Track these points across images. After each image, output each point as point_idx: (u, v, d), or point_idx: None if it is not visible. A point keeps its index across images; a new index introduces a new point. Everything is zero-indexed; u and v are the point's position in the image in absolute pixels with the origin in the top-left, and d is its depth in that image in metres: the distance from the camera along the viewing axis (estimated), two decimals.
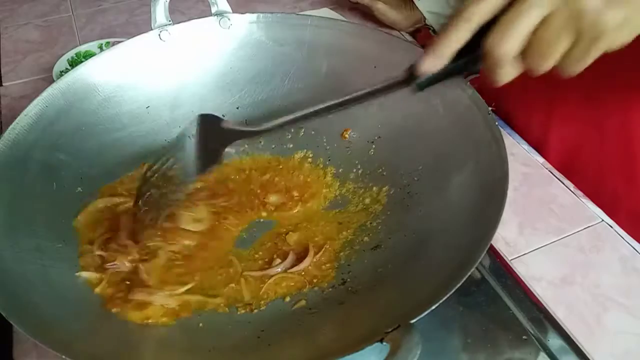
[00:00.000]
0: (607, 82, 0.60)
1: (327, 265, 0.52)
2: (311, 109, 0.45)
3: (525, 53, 0.38)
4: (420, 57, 0.40)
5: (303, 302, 0.49)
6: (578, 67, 0.38)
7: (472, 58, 0.40)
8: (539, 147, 0.69)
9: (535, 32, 0.37)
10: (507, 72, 0.39)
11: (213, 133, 0.48)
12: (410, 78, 0.42)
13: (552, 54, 0.37)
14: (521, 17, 0.36)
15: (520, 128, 0.72)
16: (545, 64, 0.38)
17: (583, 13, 0.35)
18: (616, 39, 0.37)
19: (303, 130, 0.62)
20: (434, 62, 0.40)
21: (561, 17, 0.36)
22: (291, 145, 0.62)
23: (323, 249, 0.52)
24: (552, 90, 0.67)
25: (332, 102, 0.45)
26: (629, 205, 0.65)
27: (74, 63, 0.79)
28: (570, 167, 0.67)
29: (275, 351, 0.44)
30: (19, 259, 0.44)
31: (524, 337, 0.50)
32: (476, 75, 0.42)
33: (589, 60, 0.38)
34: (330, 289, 0.50)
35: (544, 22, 0.36)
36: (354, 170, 0.59)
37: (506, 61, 0.38)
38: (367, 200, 0.57)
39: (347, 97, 0.44)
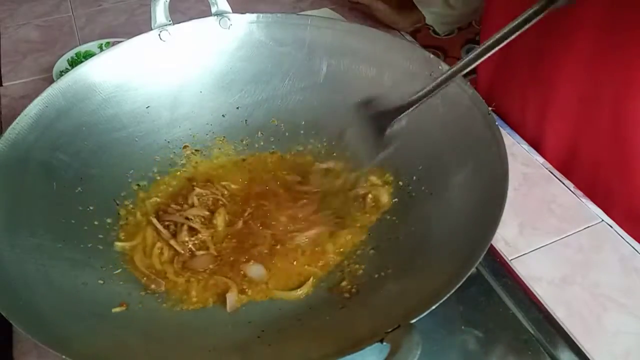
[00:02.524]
0: (602, 79, 0.61)
1: (327, 265, 0.52)
2: (467, 58, 0.46)
3: None
4: None
5: (303, 302, 0.49)
6: None
7: None
8: (536, 145, 0.69)
9: None
10: None
11: (372, 121, 0.51)
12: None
13: None
14: None
15: (517, 126, 0.72)
16: None
17: None
18: None
19: (302, 131, 0.63)
20: None
21: None
22: (291, 145, 0.62)
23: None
24: (545, 88, 0.67)
25: (487, 43, 0.45)
26: (624, 201, 0.65)
27: (74, 63, 0.79)
28: (566, 165, 0.67)
29: (275, 351, 0.44)
30: (19, 259, 0.44)
31: (524, 337, 0.50)
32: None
33: None
34: (330, 289, 0.50)
35: None
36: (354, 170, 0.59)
37: None
38: (367, 200, 0.57)
39: (498, 35, 0.44)
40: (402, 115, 0.49)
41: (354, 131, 0.54)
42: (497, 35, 0.44)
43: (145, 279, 0.50)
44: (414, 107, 0.49)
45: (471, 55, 0.46)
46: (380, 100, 0.51)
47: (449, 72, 0.47)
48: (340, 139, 0.57)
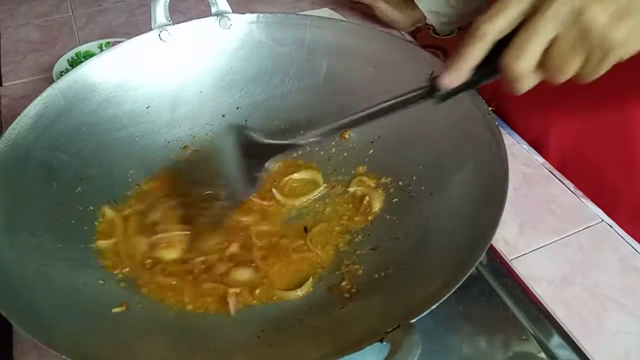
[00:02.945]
0: (606, 80, 0.60)
1: (327, 264, 0.52)
2: (338, 124, 0.48)
3: (541, 67, 0.39)
4: (440, 74, 0.43)
5: (303, 302, 0.49)
6: (594, 76, 0.40)
7: (489, 70, 0.41)
8: (539, 146, 0.69)
9: (548, 50, 0.38)
10: (525, 84, 0.40)
11: (251, 150, 0.49)
12: (431, 91, 0.44)
13: (567, 69, 0.39)
14: (533, 38, 0.38)
15: (520, 127, 0.72)
16: (562, 77, 0.40)
17: (590, 31, 0.37)
18: (626, 49, 0.38)
19: (302, 131, 0.62)
20: (454, 77, 0.42)
21: (570, 36, 0.37)
22: None
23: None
24: (550, 88, 0.67)
25: (357, 115, 0.47)
26: (629, 202, 0.65)
27: (74, 63, 0.79)
28: (569, 165, 0.67)
29: (275, 351, 0.44)
30: (19, 259, 0.44)
31: (524, 337, 0.50)
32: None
33: (603, 70, 0.39)
34: (330, 289, 0.50)
35: (555, 40, 0.38)
36: (354, 170, 0.59)
37: (523, 76, 0.40)
38: (367, 200, 0.57)
39: (370, 110, 0.46)
40: (274, 158, 0.49)
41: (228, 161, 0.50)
42: (368, 111, 0.46)
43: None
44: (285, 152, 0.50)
45: (339, 123, 0.47)
46: (253, 132, 0.51)
47: (320, 132, 0.48)
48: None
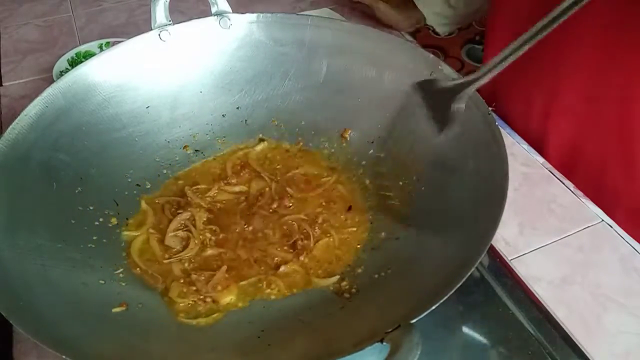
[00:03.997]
0: (606, 79, 0.61)
1: (327, 265, 0.52)
2: (521, 39, 0.47)
3: None
4: None
5: (303, 302, 0.49)
6: None
7: None
8: (539, 145, 0.69)
9: None
10: None
11: (437, 96, 0.52)
12: None
13: None
14: None
15: (520, 127, 0.72)
16: None
17: None
18: None
19: (302, 131, 0.63)
20: None
21: None
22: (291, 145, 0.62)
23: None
24: (550, 88, 0.67)
25: (538, 27, 0.46)
26: (629, 202, 0.65)
27: (74, 63, 0.79)
28: (569, 165, 0.67)
29: (275, 351, 0.44)
30: (19, 259, 0.44)
31: (524, 337, 0.50)
32: None
33: None
34: (330, 289, 0.50)
35: None
36: (354, 170, 0.59)
37: None
38: (367, 200, 0.57)
39: (547, 19, 0.45)
40: (463, 93, 0.50)
41: (418, 111, 0.55)
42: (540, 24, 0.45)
43: (143, 275, 0.50)
44: (476, 84, 0.49)
45: (518, 41, 0.46)
46: (439, 82, 0.53)
47: (502, 56, 0.48)
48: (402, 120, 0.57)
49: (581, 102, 0.65)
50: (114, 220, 0.54)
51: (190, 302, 0.49)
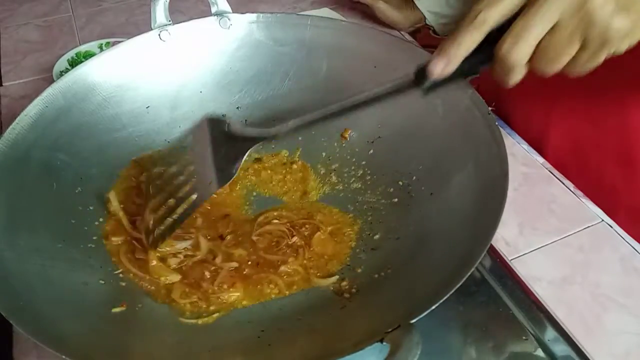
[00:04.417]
0: (605, 80, 0.61)
1: (327, 265, 0.52)
2: (322, 112, 0.45)
3: (533, 57, 0.38)
4: (430, 61, 0.40)
5: (303, 302, 0.49)
6: (585, 70, 0.39)
7: (480, 59, 0.40)
8: (539, 145, 0.69)
9: (545, 38, 0.37)
10: (517, 75, 0.39)
11: (226, 141, 0.48)
12: (417, 80, 0.42)
13: (560, 59, 0.38)
14: (533, 25, 0.37)
15: (519, 127, 0.72)
16: (554, 68, 0.39)
17: (593, 22, 0.36)
18: (622, 44, 0.37)
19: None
20: (445, 66, 0.40)
21: (572, 24, 0.36)
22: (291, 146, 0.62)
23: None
24: (550, 88, 0.67)
25: (342, 106, 0.45)
26: (628, 202, 0.65)
27: (74, 63, 0.79)
28: (569, 165, 0.67)
29: (275, 351, 0.44)
30: (19, 259, 0.44)
31: (524, 337, 0.50)
32: (476, 75, 0.42)
33: (596, 64, 0.39)
34: (330, 289, 0.50)
35: (554, 28, 0.37)
36: (354, 170, 0.59)
37: (518, 66, 0.38)
38: (367, 200, 0.57)
39: (356, 100, 0.44)
40: (252, 148, 0.48)
41: (202, 148, 0.49)
42: (359, 99, 0.44)
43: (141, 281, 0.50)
44: (263, 141, 0.48)
45: (318, 113, 0.45)
46: (232, 121, 0.49)
47: (302, 120, 0.46)
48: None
49: (581, 103, 0.65)
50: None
51: (193, 301, 0.48)
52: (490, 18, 0.38)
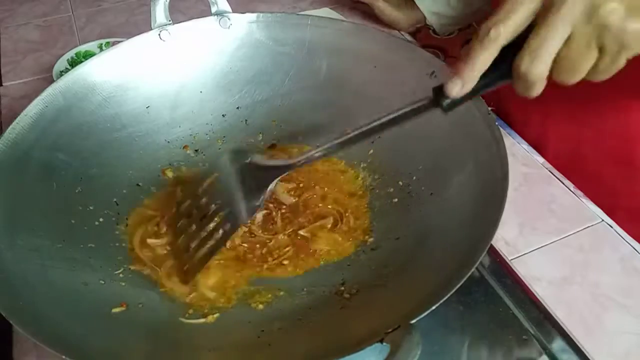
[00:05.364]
0: (605, 81, 0.60)
1: (327, 265, 0.52)
2: (342, 138, 0.45)
3: (554, 69, 0.38)
4: (447, 82, 0.40)
5: (303, 302, 0.49)
6: (608, 75, 0.39)
7: (498, 75, 0.40)
8: (539, 146, 0.69)
9: (562, 51, 0.37)
10: (539, 88, 0.39)
11: (250, 172, 0.49)
12: (436, 100, 0.42)
13: (580, 68, 0.38)
14: (549, 39, 0.36)
15: (520, 127, 0.72)
16: (575, 77, 0.38)
17: (607, 28, 0.36)
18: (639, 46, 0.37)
19: (303, 131, 0.62)
20: (462, 87, 0.40)
21: (586, 33, 0.36)
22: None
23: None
24: (550, 89, 0.67)
25: (364, 129, 0.45)
26: (628, 202, 0.65)
27: (74, 63, 0.79)
28: (568, 166, 0.67)
29: (275, 351, 0.44)
30: (19, 259, 0.44)
31: (524, 337, 0.50)
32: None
33: (615, 69, 0.39)
34: (330, 289, 0.50)
35: (569, 40, 0.37)
36: (354, 170, 0.59)
37: (539, 81, 0.38)
38: (367, 200, 0.57)
39: (376, 123, 0.44)
40: (279, 178, 0.48)
41: (228, 180, 0.50)
42: (379, 122, 0.44)
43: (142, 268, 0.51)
44: (291, 170, 0.48)
45: (340, 140, 0.45)
46: (252, 155, 0.50)
47: (323, 150, 0.46)
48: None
49: (581, 103, 0.65)
50: (114, 220, 0.54)
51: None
52: (501, 35, 0.38)
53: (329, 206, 0.56)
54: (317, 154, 0.46)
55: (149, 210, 0.56)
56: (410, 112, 0.43)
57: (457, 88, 0.40)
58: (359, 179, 0.59)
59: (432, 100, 0.42)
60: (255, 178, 0.48)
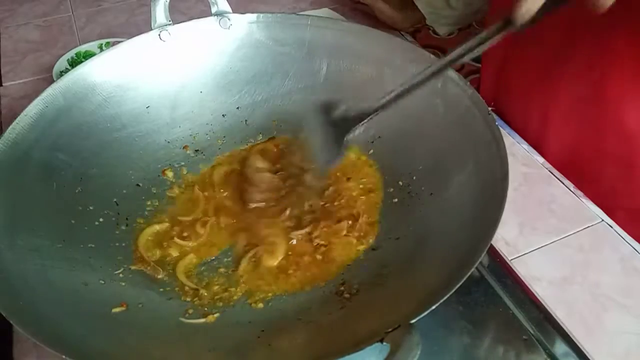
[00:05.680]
0: (604, 81, 0.61)
1: (328, 264, 0.52)
2: (420, 77, 0.45)
3: None
4: (514, 4, 0.39)
5: (303, 302, 0.49)
6: None
7: None
8: (539, 145, 0.69)
9: None
10: None
11: (333, 124, 0.50)
12: (507, 24, 0.40)
13: None
14: None
15: (520, 127, 0.72)
16: None
17: None
18: None
19: (302, 131, 0.62)
20: (530, 4, 0.38)
21: None
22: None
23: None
24: (550, 88, 0.67)
25: (438, 65, 0.44)
26: (628, 203, 0.65)
27: (74, 63, 0.79)
28: (569, 165, 0.67)
29: (275, 351, 0.44)
30: (19, 259, 0.44)
31: (524, 337, 0.50)
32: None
33: None
34: (330, 289, 0.50)
35: None
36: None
37: None
38: (367, 200, 0.57)
39: (452, 56, 0.43)
40: (364, 122, 0.49)
41: (311, 135, 0.52)
42: (459, 50, 0.43)
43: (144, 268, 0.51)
44: (375, 114, 0.48)
45: (433, 68, 0.44)
46: (341, 105, 0.50)
47: (413, 83, 0.46)
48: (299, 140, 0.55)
49: (580, 103, 0.65)
50: (114, 220, 0.54)
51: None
52: None
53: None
54: (395, 95, 0.46)
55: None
56: (483, 39, 0.42)
57: (525, 8, 0.38)
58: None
59: (504, 24, 0.41)
60: (339, 128, 0.50)
